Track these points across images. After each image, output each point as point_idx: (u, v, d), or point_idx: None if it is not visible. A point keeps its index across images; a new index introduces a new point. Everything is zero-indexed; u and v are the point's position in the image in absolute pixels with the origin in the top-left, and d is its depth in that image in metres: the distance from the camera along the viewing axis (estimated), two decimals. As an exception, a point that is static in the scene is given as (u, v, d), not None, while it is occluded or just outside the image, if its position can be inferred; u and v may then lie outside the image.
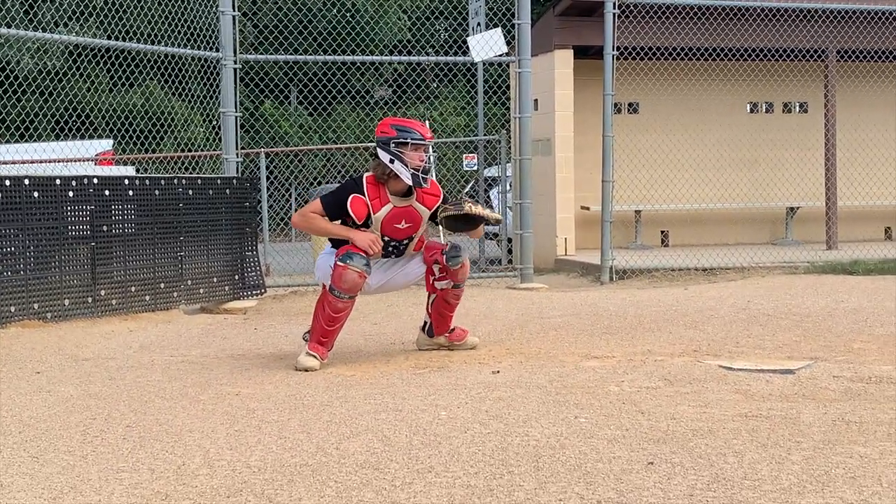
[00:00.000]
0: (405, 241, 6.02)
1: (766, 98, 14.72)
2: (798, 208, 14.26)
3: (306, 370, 5.69)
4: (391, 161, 5.80)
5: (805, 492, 3.27)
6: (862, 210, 14.52)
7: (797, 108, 14.93)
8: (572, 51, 12.90)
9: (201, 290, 8.55)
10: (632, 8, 11.31)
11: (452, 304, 6.16)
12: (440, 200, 5.99)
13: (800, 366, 5.46)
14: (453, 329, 6.28)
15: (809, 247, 13.42)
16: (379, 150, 5.84)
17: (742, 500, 3.20)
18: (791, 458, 3.65)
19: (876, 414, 4.33)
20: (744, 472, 3.50)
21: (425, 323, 6.30)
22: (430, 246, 6.10)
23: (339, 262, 5.79)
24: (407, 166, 5.79)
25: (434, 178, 6.07)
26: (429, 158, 5.90)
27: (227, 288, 8.78)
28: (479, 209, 5.90)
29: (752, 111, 14.87)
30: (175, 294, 8.33)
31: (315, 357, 5.76)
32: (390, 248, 6.00)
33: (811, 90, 14.28)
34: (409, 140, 5.81)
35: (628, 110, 14.09)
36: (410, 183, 5.82)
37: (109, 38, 9.68)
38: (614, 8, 10.70)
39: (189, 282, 8.43)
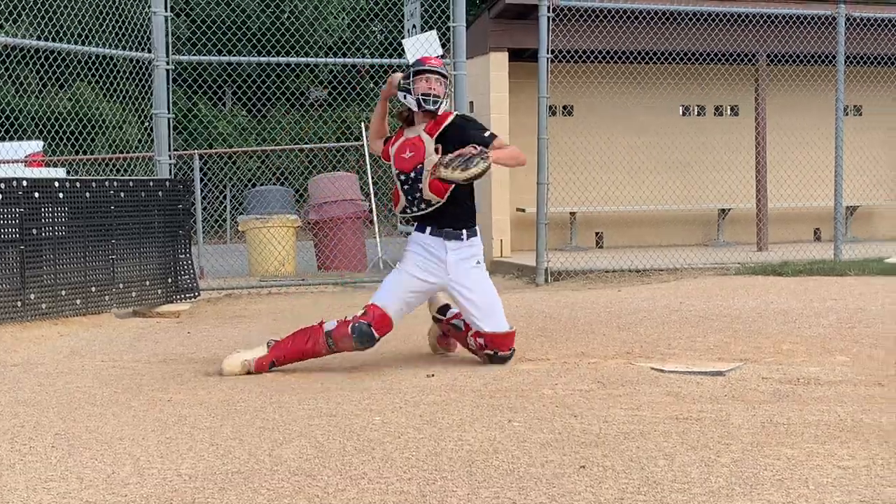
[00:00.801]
0: (412, 175, 5.81)
1: (698, 101, 14.90)
2: (729, 210, 14.45)
3: (225, 374, 5.65)
4: (404, 96, 5.92)
5: (734, 494, 3.31)
6: (792, 211, 14.75)
7: (728, 112, 15.14)
8: (507, 53, 12.96)
9: (133, 294, 8.46)
10: (566, 11, 11.38)
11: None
12: (441, 128, 5.83)
13: (730, 367, 5.53)
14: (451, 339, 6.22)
15: (740, 248, 13.61)
16: (399, 93, 5.95)
17: (671, 503, 3.23)
18: (720, 461, 3.70)
19: (803, 415, 4.40)
20: (674, 474, 3.54)
21: (448, 307, 6.10)
22: (497, 338, 5.82)
23: (350, 331, 5.69)
24: (412, 94, 5.86)
25: (447, 108, 6.00)
26: (442, 85, 5.89)
27: (159, 291, 8.70)
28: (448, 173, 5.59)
29: (684, 114, 15.05)
30: (107, 298, 8.23)
31: (249, 371, 5.70)
32: (406, 187, 5.85)
33: (742, 93, 14.49)
34: (413, 69, 5.92)
35: (563, 113, 14.19)
36: (416, 108, 5.87)
37: (39, 38, 9.54)
38: (548, 11, 10.76)
39: (121, 285, 8.34)
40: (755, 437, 4.04)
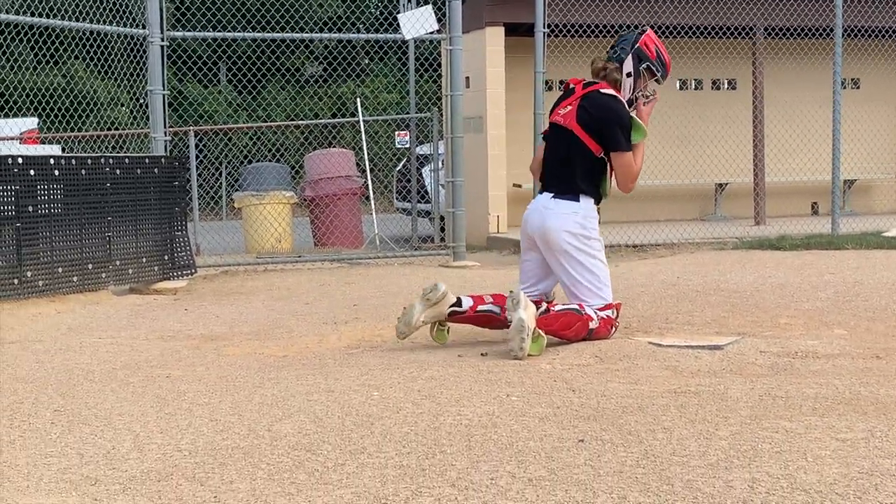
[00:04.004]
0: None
1: (695, 75, 14.84)
2: (727, 184, 14.43)
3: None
4: (628, 75, 5.75)
5: (732, 466, 3.32)
6: (789, 185, 14.74)
7: (726, 85, 15.10)
8: (503, 28, 12.90)
9: (130, 271, 8.45)
10: (562, -15, 11.33)
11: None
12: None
13: (728, 341, 5.53)
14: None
15: (738, 222, 13.59)
16: (630, 57, 5.74)
17: (671, 476, 3.24)
18: (719, 434, 3.70)
19: (801, 388, 4.40)
20: (672, 447, 3.54)
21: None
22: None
23: (610, 332, 5.65)
24: (632, 90, 5.76)
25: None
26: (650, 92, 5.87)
27: (156, 268, 8.69)
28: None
29: (681, 88, 15.00)
30: (103, 275, 8.22)
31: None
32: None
33: (740, 67, 14.43)
34: (657, 77, 5.83)
35: (559, 87, 14.12)
36: (624, 100, 5.74)
37: (33, 14, 9.49)
38: (545, -15, 10.72)
39: (117, 262, 8.33)
40: (753, 410, 4.04)
